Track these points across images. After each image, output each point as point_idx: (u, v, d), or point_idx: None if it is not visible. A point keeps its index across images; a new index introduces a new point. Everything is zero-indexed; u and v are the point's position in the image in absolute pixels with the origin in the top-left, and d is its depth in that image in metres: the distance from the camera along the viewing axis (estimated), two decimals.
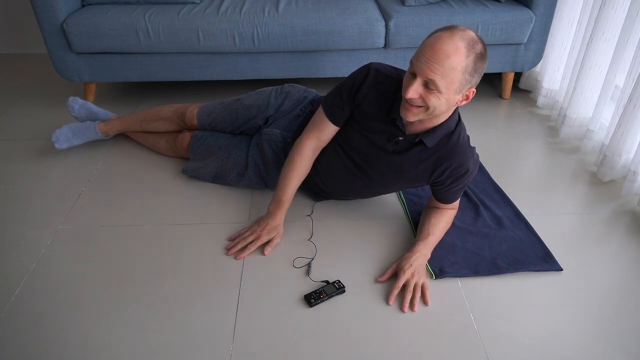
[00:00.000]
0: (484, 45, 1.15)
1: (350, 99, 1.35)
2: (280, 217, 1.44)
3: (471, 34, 1.13)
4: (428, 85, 1.13)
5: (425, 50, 1.11)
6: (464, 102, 1.21)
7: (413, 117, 1.21)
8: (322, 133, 1.41)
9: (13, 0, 2.76)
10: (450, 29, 1.13)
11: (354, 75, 1.36)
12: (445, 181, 1.36)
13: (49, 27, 2.00)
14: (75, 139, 1.81)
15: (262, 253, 1.40)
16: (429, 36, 1.15)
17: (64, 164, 1.82)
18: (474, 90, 1.20)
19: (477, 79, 1.17)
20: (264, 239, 1.41)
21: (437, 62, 1.10)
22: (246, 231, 1.45)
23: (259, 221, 1.45)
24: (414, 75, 1.15)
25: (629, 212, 1.62)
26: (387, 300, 1.27)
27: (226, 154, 1.64)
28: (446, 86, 1.12)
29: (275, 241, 1.42)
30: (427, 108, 1.17)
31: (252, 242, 1.41)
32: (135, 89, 2.46)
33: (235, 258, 1.39)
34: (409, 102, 1.17)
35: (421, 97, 1.15)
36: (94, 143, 1.92)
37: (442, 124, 1.28)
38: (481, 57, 1.14)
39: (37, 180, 1.72)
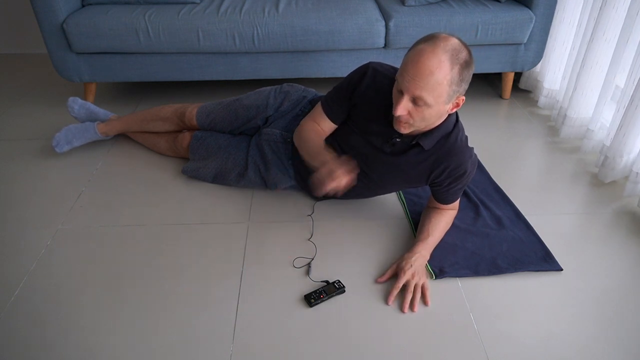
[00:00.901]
0: (469, 52, 1.14)
1: (347, 98, 1.35)
2: (329, 155, 1.28)
3: (454, 42, 1.11)
4: (416, 101, 1.14)
5: (409, 68, 1.11)
6: (454, 110, 1.22)
7: (405, 130, 1.23)
8: (318, 125, 1.42)
9: (13, 0, 2.76)
10: (432, 40, 1.11)
11: (352, 74, 1.36)
12: (444, 182, 1.36)
13: (49, 27, 2.00)
14: (76, 141, 1.82)
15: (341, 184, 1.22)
16: (412, 49, 1.14)
17: (64, 164, 1.82)
18: (464, 97, 1.20)
19: (465, 87, 1.17)
20: (343, 171, 1.22)
21: (421, 80, 1.09)
22: (326, 169, 1.23)
23: (328, 166, 1.23)
24: (401, 92, 1.15)
25: (629, 212, 1.62)
26: (386, 300, 1.27)
27: (226, 155, 1.64)
28: (434, 100, 1.13)
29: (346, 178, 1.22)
30: (413, 122, 1.19)
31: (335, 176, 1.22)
32: (135, 89, 2.46)
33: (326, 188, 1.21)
34: (399, 119, 1.19)
35: (410, 113, 1.16)
36: (94, 143, 1.92)
37: (439, 126, 1.28)
38: (466, 65, 1.13)
39: (37, 180, 1.72)
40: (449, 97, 1.14)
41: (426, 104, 1.13)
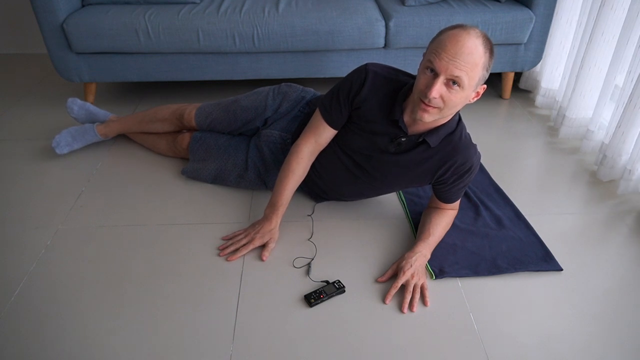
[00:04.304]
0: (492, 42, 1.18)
1: (348, 102, 1.34)
2: (275, 221, 1.43)
3: (481, 31, 1.15)
4: (450, 83, 1.13)
5: (448, 48, 1.11)
6: (475, 99, 1.22)
7: (430, 117, 1.20)
8: (320, 137, 1.41)
9: (13, 0, 2.76)
10: (462, 26, 1.13)
11: (351, 78, 1.34)
12: (449, 179, 1.36)
13: (49, 27, 2.00)
14: (76, 143, 1.82)
15: (261, 259, 1.39)
16: (444, 34, 1.14)
17: (64, 163, 1.82)
18: (485, 86, 1.21)
19: (487, 76, 1.18)
20: (256, 243, 1.40)
21: (461, 59, 1.10)
22: (240, 234, 1.45)
23: (254, 225, 1.45)
24: (434, 74, 1.13)
25: (629, 211, 1.62)
26: (384, 299, 1.27)
27: (225, 156, 1.64)
28: (469, 82, 1.13)
29: (271, 245, 1.41)
30: (444, 107, 1.17)
31: (244, 245, 1.41)
32: (135, 89, 2.46)
33: (227, 260, 1.39)
34: (428, 102, 1.15)
35: (442, 97, 1.15)
36: (94, 143, 1.92)
37: (444, 124, 1.28)
38: (492, 53, 1.16)
39: (37, 180, 1.72)
40: (478, 81, 1.16)
41: (461, 86, 1.13)
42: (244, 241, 1.41)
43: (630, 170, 1.65)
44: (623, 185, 1.68)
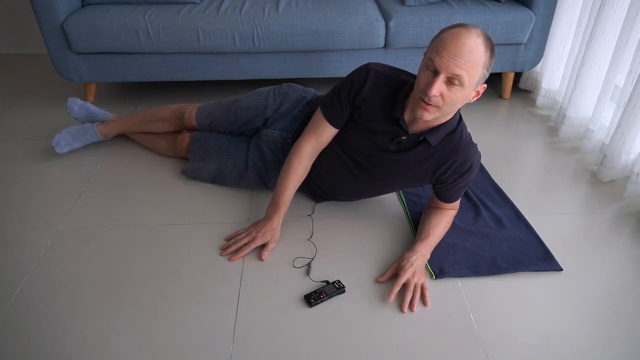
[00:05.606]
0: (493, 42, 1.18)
1: (349, 101, 1.35)
2: (277, 221, 1.43)
3: (482, 30, 1.15)
4: (450, 81, 1.13)
5: (449, 46, 1.11)
6: (475, 99, 1.22)
7: (430, 115, 1.20)
8: (321, 136, 1.41)
9: (13, 0, 2.76)
10: (464, 25, 1.14)
11: (352, 77, 1.35)
12: (449, 178, 1.36)
13: (49, 27, 2.00)
14: (76, 142, 1.82)
15: (260, 259, 1.39)
16: (445, 32, 1.14)
17: (64, 163, 1.82)
18: (485, 85, 1.21)
19: (487, 75, 1.18)
20: (258, 242, 1.40)
21: (462, 57, 1.10)
22: (242, 233, 1.45)
23: (256, 224, 1.45)
24: (434, 73, 1.14)
25: (630, 212, 1.62)
26: (387, 297, 1.27)
27: (226, 155, 1.64)
28: (469, 81, 1.13)
29: (271, 246, 1.41)
30: (443, 105, 1.17)
31: (246, 244, 1.41)
32: (135, 89, 2.46)
33: (229, 259, 1.39)
34: (428, 101, 1.16)
35: (442, 95, 1.15)
36: (94, 143, 1.92)
37: (445, 122, 1.29)
38: (493, 52, 1.16)
39: (37, 180, 1.72)
40: (479, 80, 1.16)
41: (461, 84, 1.13)
42: (245, 240, 1.41)
43: (638, 174, 1.65)
44: (631, 189, 1.67)
